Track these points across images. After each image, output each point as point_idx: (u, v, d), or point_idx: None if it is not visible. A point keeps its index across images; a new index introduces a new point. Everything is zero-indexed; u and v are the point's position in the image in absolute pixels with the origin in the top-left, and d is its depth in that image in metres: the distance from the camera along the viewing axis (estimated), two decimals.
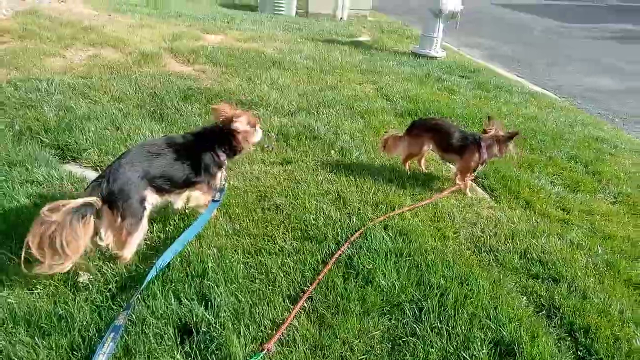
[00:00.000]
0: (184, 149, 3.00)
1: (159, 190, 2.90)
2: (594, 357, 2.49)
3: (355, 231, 3.25)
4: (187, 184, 3.02)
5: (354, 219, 3.39)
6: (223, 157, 3.13)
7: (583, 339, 2.58)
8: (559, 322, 2.70)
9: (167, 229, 3.07)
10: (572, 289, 2.95)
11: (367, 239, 3.16)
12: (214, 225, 3.13)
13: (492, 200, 4.07)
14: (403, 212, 3.56)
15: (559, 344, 2.55)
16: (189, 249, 2.83)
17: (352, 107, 5.72)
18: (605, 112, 7.79)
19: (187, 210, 3.25)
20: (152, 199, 2.86)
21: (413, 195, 3.90)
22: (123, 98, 5.17)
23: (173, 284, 2.55)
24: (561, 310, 2.76)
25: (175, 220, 3.16)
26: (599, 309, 2.79)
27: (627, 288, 3.06)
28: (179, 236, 2.82)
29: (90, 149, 3.95)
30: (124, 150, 3.36)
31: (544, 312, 2.77)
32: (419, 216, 3.58)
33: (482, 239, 3.41)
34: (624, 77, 10.14)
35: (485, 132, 3.94)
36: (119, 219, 2.60)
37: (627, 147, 5.66)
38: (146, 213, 2.76)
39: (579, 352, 2.52)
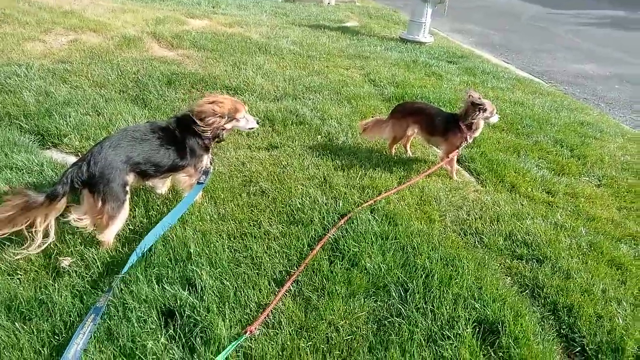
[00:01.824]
0: (169, 134, 2.96)
1: (144, 176, 2.87)
2: (576, 334, 2.52)
3: (341, 215, 3.24)
4: (174, 168, 2.99)
5: (340, 203, 3.38)
6: (207, 140, 3.09)
7: (566, 318, 2.61)
8: (542, 301, 2.73)
9: (150, 213, 3.03)
10: (555, 269, 2.97)
11: (353, 223, 3.15)
12: (199, 209, 3.09)
13: (478, 183, 4.08)
14: (389, 194, 3.55)
15: (542, 323, 2.57)
16: (172, 233, 2.79)
17: (339, 92, 5.68)
18: (592, 97, 7.84)
19: (170, 195, 3.21)
20: (134, 183, 2.83)
21: (399, 179, 3.89)
22: (105, 83, 5.07)
23: (156, 268, 2.52)
24: (545, 290, 2.78)
25: (158, 205, 3.12)
26: (582, 289, 2.82)
27: (610, 268, 3.09)
28: (161, 220, 2.80)
29: (71, 134, 3.87)
30: (105, 136, 3.30)
31: (527, 291, 2.80)
32: (406, 200, 3.57)
33: (468, 221, 3.42)
34: (611, 63, 10.21)
35: (466, 110, 3.92)
36: (100, 203, 2.57)
37: (612, 131, 5.71)
38: (128, 197, 2.73)
39: (562, 330, 2.55)
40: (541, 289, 2.80)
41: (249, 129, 3.35)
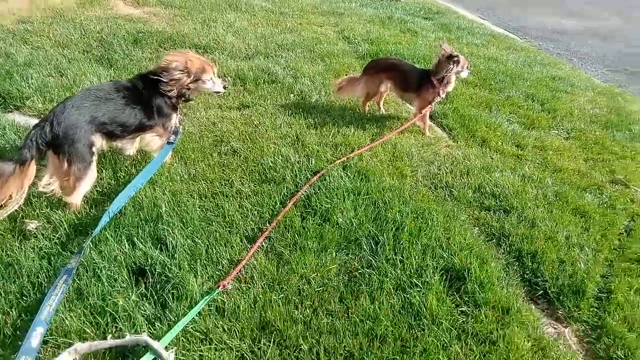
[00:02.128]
0: (134, 93, 2.88)
1: (111, 136, 2.81)
2: (539, 279, 2.62)
3: (314, 172, 3.25)
4: (141, 128, 2.93)
5: (313, 161, 3.38)
6: (175, 99, 3.02)
7: (530, 264, 2.70)
8: (507, 249, 2.82)
9: (118, 175, 2.99)
10: (521, 218, 3.06)
11: (325, 180, 3.17)
12: (168, 170, 3.06)
13: (450, 139, 4.12)
14: (362, 151, 3.56)
15: (507, 269, 2.67)
16: (142, 194, 2.77)
17: (312, 50, 5.57)
18: (565, 52, 7.89)
19: (139, 156, 3.16)
20: (101, 145, 2.78)
21: (372, 136, 3.89)
22: (67, 43, 4.87)
23: (126, 229, 2.50)
24: (510, 238, 2.87)
25: (126, 167, 3.07)
26: (547, 236, 2.91)
27: (574, 216, 3.19)
28: (132, 180, 2.76)
29: (33, 96, 3.74)
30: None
31: (494, 240, 2.88)
32: (378, 156, 3.59)
33: (439, 176, 3.47)
34: (586, 18, 10.22)
35: (439, 63, 3.90)
36: (66, 164, 2.52)
37: (582, 85, 5.78)
38: (95, 158, 2.68)
39: (525, 275, 2.65)
40: (507, 237, 2.88)
41: (215, 92, 3.26)
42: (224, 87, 3.26)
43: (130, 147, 3.13)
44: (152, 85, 2.92)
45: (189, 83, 2.97)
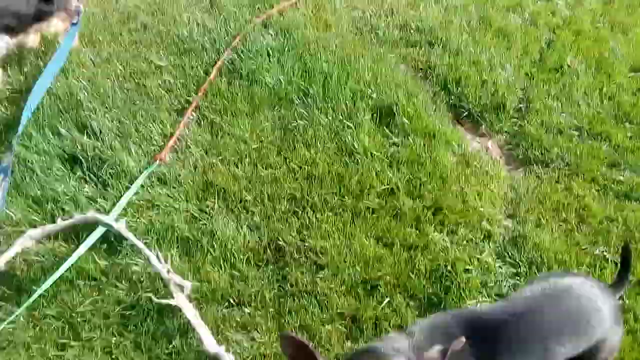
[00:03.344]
0: None
1: (7, 30, 2.54)
2: (463, 102, 2.76)
3: (234, 36, 3.11)
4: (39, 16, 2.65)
5: (232, 24, 3.21)
6: None
7: (455, 89, 2.82)
8: (434, 80, 2.90)
9: (24, 70, 2.76)
10: (446, 49, 3.09)
11: (247, 41, 3.06)
12: (78, 57, 2.86)
13: None
14: (283, 9, 3.40)
15: (434, 99, 2.78)
16: (55, 86, 2.61)
17: None
18: None
19: (43, 47, 2.91)
20: (3, 43, 2.52)
21: None
22: None
23: (46, 121, 2.41)
24: (436, 70, 2.94)
25: (32, 59, 2.83)
26: (470, 61, 2.99)
27: (497, 38, 3.24)
28: (42, 72, 2.58)
29: None
30: None
31: (421, 74, 2.95)
32: (300, 10, 3.44)
33: (363, 19, 3.39)
34: None
35: None
36: None
37: None
38: None
39: (451, 101, 2.79)
40: (433, 69, 2.95)
41: None
42: None
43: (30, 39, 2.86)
44: None
45: None
